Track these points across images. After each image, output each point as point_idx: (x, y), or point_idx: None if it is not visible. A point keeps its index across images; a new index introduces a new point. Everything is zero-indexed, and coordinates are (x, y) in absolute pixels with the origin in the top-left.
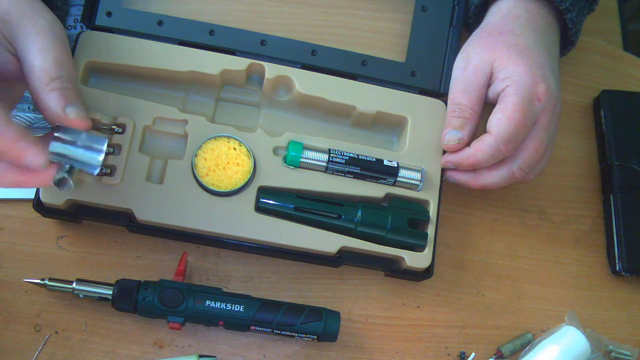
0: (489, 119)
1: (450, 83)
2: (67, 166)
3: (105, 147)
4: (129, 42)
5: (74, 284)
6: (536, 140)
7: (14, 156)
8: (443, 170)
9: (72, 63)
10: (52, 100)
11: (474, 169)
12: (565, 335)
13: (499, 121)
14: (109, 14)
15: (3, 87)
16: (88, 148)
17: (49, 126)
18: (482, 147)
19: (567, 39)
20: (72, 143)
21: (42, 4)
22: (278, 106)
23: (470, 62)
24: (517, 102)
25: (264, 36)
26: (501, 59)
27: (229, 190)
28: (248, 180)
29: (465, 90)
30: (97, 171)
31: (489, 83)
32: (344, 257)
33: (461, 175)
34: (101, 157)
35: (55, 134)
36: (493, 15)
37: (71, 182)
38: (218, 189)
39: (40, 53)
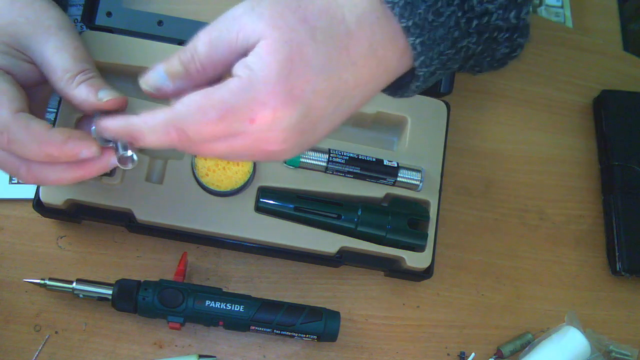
0: None
1: None
2: (120, 144)
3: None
4: (129, 42)
5: (74, 284)
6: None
7: (68, 157)
8: None
9: (88, 52)
10: (83, 93)
11: None
12: (565, 335)
13: None
14: (109, 14)
15: (31, 91)
16: None
17: None
18: None
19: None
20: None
21: (45, 1)
22: None
23: None
24: None
25: None
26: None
27: (229, 190)
28: (248, 180)
29: None
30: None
31: None
32: (344, 257)
33: None
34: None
35: (95, 120)
36: None
37: (135, 156)
38: (218, 189)
39: (56, 54)
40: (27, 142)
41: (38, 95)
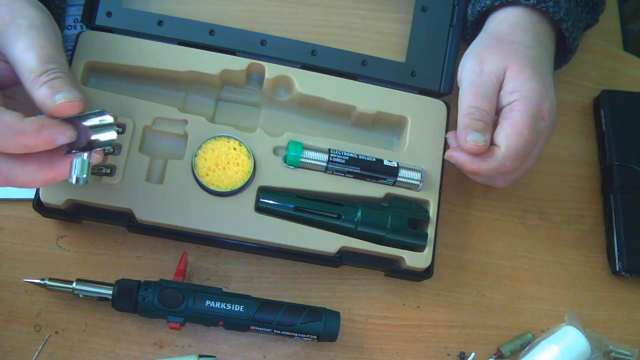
0: (496, 132)
1: (464, 85)
2: (79, 163)
3: (110, 117)
4: (129, 42)
5: (74, 284)
6: (531, 160)
7: (45, 145)
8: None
9: (60, 52)
10: (42, 95)
11: (472, 174)
12: (565, 335)
13: (509, 137)
14: (109, 14)
15: (14, 91)
16: (99, 129)
17: None
18: (488, 158)
19: (565, 48)
20: (84, 129)
21: (22, 1)
22: (278, 106)
23: (485, 68)
24: (526, 120)
25: (264, 36)
26: (513, 69)
27: (229, 190)
28: (248, 180)
29: (485, 96)
30: (115, 137)
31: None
32: (344, 257)
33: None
34: (114, 130)
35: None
36: (501, 24)
37: (88, 178)
38: (218, 189)
39: (24, 54)
40: (2, 135)
41: (24, 94)
